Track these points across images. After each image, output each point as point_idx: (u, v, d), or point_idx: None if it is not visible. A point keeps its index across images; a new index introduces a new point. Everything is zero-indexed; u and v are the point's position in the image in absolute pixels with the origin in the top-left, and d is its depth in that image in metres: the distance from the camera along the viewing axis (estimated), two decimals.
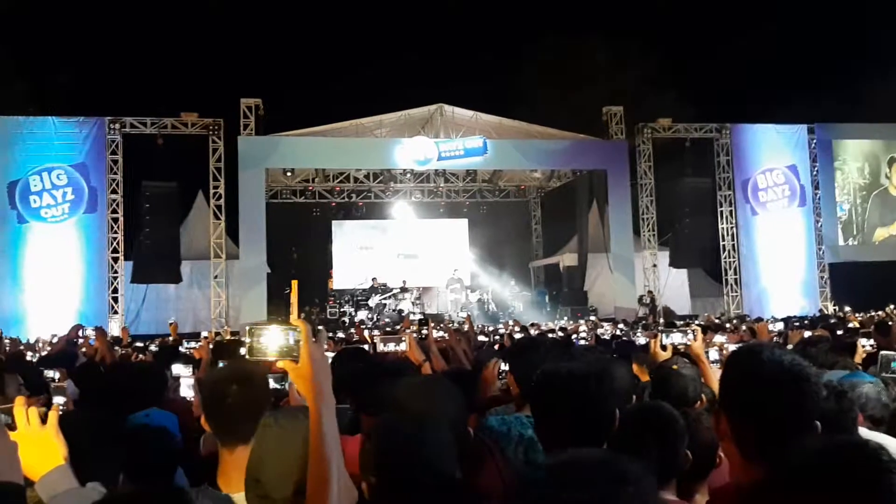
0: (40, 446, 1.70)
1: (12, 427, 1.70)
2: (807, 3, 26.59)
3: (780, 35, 26.28)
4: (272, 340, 1.68)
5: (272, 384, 2.55)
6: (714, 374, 3.54)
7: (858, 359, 5.95)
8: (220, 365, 4.17)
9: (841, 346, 5.27)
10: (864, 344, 5.18)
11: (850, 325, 10.65)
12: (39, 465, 1.69)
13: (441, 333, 6.45)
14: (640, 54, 27.37)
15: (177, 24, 24.22)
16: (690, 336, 3.79)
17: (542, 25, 29.38)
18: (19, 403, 1.74)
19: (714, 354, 3.96)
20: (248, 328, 1.76)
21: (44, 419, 1.76)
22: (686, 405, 3.25)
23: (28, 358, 7.24)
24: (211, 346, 6.38)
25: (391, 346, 4.75)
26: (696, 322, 13.82)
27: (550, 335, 11.24)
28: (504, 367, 4.16)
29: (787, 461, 1.33)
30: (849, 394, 2.63)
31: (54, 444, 1.72)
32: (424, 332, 7.12)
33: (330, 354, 5.96)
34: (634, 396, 3.51)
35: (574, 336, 10.24)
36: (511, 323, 14.90)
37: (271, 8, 26.53)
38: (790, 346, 6.03)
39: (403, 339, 4.78)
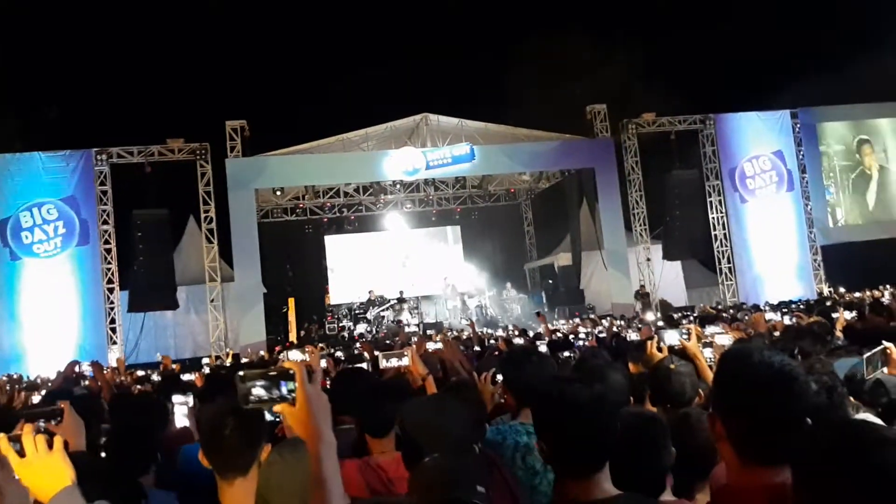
0: (49, 471, 1.79)
1: (22, 454, 1.79)
2: None
3: (757, 21, 26.44)
4: (265, 388, 1.69)
5: (267, 416, 2.57)
6: (710, 371, 3.61)
7: (840, 325, 6.05)
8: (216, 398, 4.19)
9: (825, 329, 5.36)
10: (847, 315, 5.26)
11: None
12: (49, 489, 1.77)
13: (437, 345, 6.44)
14: (619, 50, 27.45)
15: (156, 51, 24.26)
16: (685, 335, 3.86)
17: (519, 27, 29.53)
18: (27, 431, 1.82)
19: (708, 353, 4.00)
20: (238, 375, 1.75)
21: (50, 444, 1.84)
22: (683, 403, 3.33)
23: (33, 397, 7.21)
24: (205, 377, 6.38)
25: (393, 362, 4.75)
26: (693, 315, 13.91)
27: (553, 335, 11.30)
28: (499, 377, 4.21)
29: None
30: (839, 388, 2.69)
31: (62, 468, 1.80)
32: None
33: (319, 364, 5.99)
34: (632, 398, 3.57)
35: (572, 337, 10.28)
36: (511, 328, 14.94)
37: (248, 30, 26.58)
38: (777, 333, 6.11)
39: (406, 353, 4.78)
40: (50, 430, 2.05)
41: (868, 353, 3.22)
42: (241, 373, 1.75)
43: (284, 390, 1.69)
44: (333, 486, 1.67)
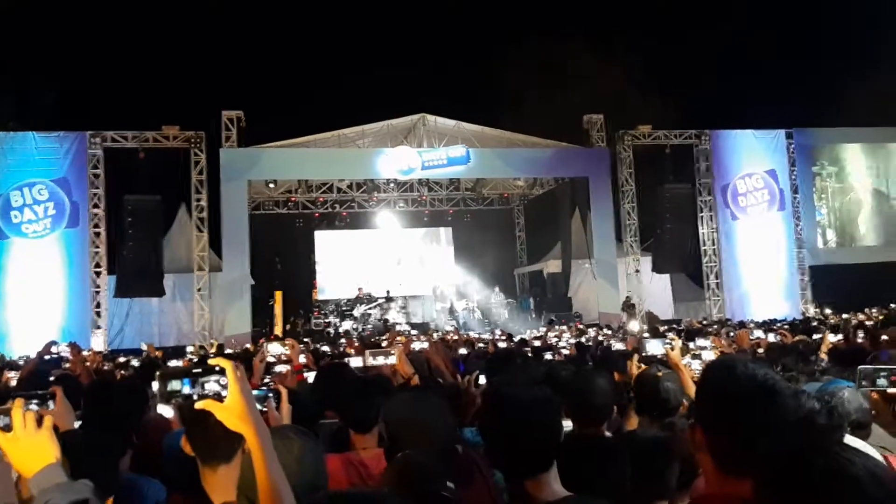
0: (35, 448, 1.79)
1: (9, 429, 1.79)
2: (785, 8, 26.94)
3: (758, 40, 26.59)
4: (188, 385, 1.67)
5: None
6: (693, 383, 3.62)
7: (825, 348, 6.10)
8: None
9: (810, 349, 5.40)
10: (832, 339, 5.32)
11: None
12: (34, 465, 1.77)
13: (423, 344, 6.46)
14: (618, 61, 27.53)
15: (158, 37, 24.17)
16: (669, 345, 3.87)
17: (522, 33, 29.57)
18: (17, 406, 1.82)
19: (697, 365, 4.01)
20: (158, 374, 1.71)
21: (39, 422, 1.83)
22: (670, 411, 3.34)
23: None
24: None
25: (380, 360, 4.78)
26: (679, 328, 13.96)
27: (537, 342, 11.34)
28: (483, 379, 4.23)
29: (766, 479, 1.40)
30: (839, 409, 2.69)
31: (49, 446, 1.80)
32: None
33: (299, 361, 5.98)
34: (616, 407, 3.57)
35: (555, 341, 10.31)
36: (498, 332, 14.94)
37: (252, 20, 26.51)
38: (761, 350, 6.14)
39: (393, 352, 4.81)
40: (42, 413, 2.05)
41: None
42: (159, 371, 1.73)
43: (211, 387, 1.66)
44: (279, 475, 1.67)
